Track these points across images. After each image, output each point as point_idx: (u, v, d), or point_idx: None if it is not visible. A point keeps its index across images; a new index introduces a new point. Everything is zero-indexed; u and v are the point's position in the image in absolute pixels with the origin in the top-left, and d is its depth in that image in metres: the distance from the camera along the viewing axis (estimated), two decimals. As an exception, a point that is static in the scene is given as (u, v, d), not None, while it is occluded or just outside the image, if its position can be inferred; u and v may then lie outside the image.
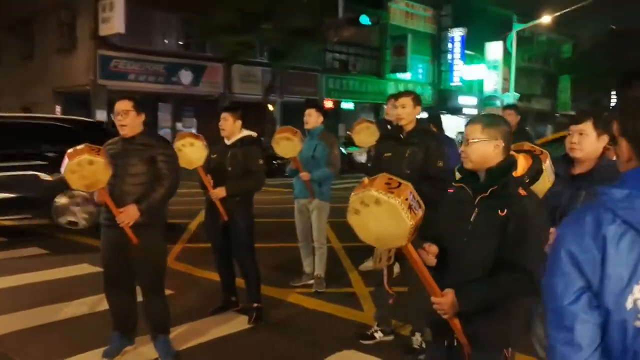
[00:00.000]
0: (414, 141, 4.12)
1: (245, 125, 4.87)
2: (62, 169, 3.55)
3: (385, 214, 2.15)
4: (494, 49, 36.22)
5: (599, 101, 40.43)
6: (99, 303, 5.14)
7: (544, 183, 2.69)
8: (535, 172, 2.55)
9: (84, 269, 6.36)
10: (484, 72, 36.06)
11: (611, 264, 1.18)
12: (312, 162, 5.59)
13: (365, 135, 5.98)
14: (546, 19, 31.10)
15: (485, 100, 35.17)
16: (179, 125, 22.72)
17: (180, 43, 22.80)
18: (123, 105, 3.84)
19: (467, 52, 34.85)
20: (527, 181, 2.46)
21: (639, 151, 1.24)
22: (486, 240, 2.27)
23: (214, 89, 22.79)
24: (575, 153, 2.94)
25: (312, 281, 5.78)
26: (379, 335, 4.35)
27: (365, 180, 2.27)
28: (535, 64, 43.61)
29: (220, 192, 4.69)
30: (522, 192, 2.29)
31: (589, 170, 2.93)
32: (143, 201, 3.74)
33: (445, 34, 34.81)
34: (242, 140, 4.86)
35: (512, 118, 6.84)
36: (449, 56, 34.70)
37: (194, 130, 16.61)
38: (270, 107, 23.95)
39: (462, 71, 34.62)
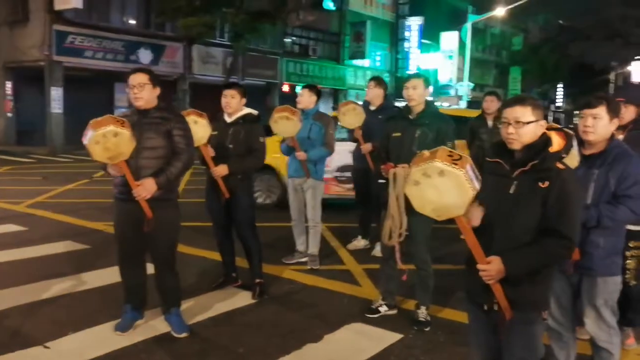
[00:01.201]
0: (425, 122, 4.26)
1: (204, 107, 4.81)
2: (86, 140, 3.49)
3: (447, 185, 2.27)
4: (450, 39, 36.93)
5: (547, 93, 42.00)
6: (94, 280, 5.12)
7: (573, 160, 2.87)
8: (568, 149, 2.72)
9: (69, 246, 6.25)
10: (440, 61, 36.73)
11: None
12: (308, 142, 5.66)
13: (351, 116, 6.09)
14: (500, 11, 31.93)
15: (440, 89, 35.87)
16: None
17: (137, 22, 22.18)
18: (139, 78, 3.80)
19: (423, 41, 35.41)
20: (563, 157, 2.62)
21: None
22: (528, 210, 2.41)
23: (174, 69, 22.35)
24: (589, 136, 3.12)
25: (305, 259, 5.88)
26: (383, 309, 4.50)
27: (426, 152, 2.38)
28: (488, 55, 44.80)
29: (222, 170, 4.70)
30: (560, 165, 2.45)
31: (600, 151, 3.13)
32: (161, 175, 3.73)
33: (403, 22, 35.24)
34: (244, 118, 4.87)
35: (494, 104, 7.11)
36: (406, 44, 35.18)
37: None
38: (231, 89, 23.66)
39: (418, 60, 35.16)
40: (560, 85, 47.33)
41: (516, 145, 2.47)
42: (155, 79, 3.87)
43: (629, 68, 54.34)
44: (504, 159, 2.52)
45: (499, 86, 44.10)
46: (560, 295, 3.18)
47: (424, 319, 4.31)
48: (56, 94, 19.24)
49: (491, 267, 2.38)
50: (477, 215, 2.45)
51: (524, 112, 2.43)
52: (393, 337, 4.09)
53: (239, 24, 20.77)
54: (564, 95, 50.93)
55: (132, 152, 3.58)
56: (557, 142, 2.61)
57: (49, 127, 19.31)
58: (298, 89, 28.08)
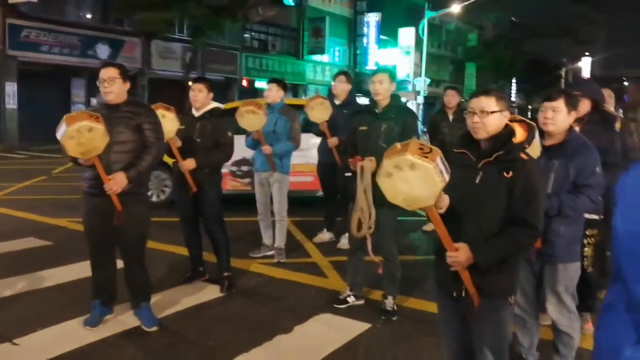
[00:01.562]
0: (390, 116, 4.36)
1: (165, 102, 4.77)
2: (60, 134, 3.46)
3: (418, 177, 2.34)
4: (407, 35, 37.38)
5: (502, 88, 43.07)
6: (59, 276, 5.05)
7: (535, 150, 3.01)
8: (531, 140, 2.85)
9: (32, 242, 6.13)
10: (397, 57, 37.17)
11: None
12: (274, 136, 5.71)
13: (319, 110, 6.17)
14: (455, 8, 32.55)
15: (398, 85, 36.27)
16: (93, 101, 21.64)
17: (94, 16, 21.68)
18: (110, 72, 3.78)
19: (381, 37, 35.77)
20: (525, 147, 2.74)
21: None
22: (493, 200, 2.51)
23: (132, 64, 21.89)
24: (549, 127, 3.28)
25: (271, 252, 5.93)
26: (351, 299, 4.60)
27: (398, 145, 2.45)
28: (444, 51, 45.57)
29: (190, 164, 4.70)
30: (524, 156, 2.56)
31: (560, 142, 3.29)
32: (132, 169, 3.73)
33: (361, 18, 35.53)
34: (212, 112, 4.89)
35: (455, 99, 7.31)
36: (365, 40, 35.48)
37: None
38: (191, 84, 23.40)
39: (376, 55, 35.50)
40: (514, 81, 48.57)
41: (481, 134, 2.56)
42: (126, 74, 3.86)
43: (579, 64, 56.17)
44: (470, 150, 2.62)
45: (455, 82, 44.90)
46: (523, 283, 3.32)
47: (391, 309, 4.43)
48: (10, 90, 18.63)
49: (459, 255, 2.47)
50: (444, 201, 2.55)
51: (489, 102, 2.53)
52: (361, 326, 4.18)
53: (199, 18, 20.55)
54: (517, 90, 52.29)
55: (105, 146, 3.56)
56: (520, 134, 2.70)
57: (3, 124, 18.68)
58: (259, 84, 28.16)
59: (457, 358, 2.73)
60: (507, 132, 2.58)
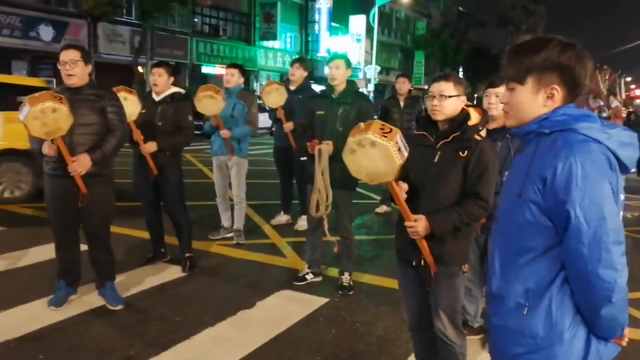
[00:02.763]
0: (347, 101, 4.56)
1: (113, 87, 4.81)
2: (23, 115, 3.49)
3: (378, 154, 2.56)
4: (358, 22, 37.76)
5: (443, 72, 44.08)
6: (18, 260, 5.04)
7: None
8: (485, 122, 3.08)
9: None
10: (348, 45, 37.48)
11: None
12: (232, 121, 5.82)
13: (275, 96, 6.33)
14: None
15: (349, 72, 36.60)
16: (36, 84, 21.00)
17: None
18: (71, 54, 3.82)
19: (333, 24, 35.95)
20: (480, 129, 2.98)
21: None
22: (450, 177, 2.75)
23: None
24: (493, 111, 3.57)
25: (230, 234, 6.07)
26: (310, 276, 4.82)
27: (362, 125, 2.66)
28: (394, 39, 46.19)
29: (151, 147, 4.78)
30: (477, 137, 2.80)
31: (501, 125, 3.58)
32: (96, 151, 3.80)
33: (313, 5, 35.57)
34: (172, 96, 4.96)
35: (404, 86, 7.59)
36: (316, 27, 35.57)
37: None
38: (140, 69, 22.99)
39: (328, 42, 35.69)
40: (460, 69, 49.74)
41: (439, 117, 2.78)
42: (87, 56, 3.91)
43: (522, 54, 57.74)
44: (430, 131, 2.85)
45: (404, 69, 45.67)
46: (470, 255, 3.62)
47: (347, 284, 4.67)
48: (-54, 72, 17.82)
49: (417, 224, 2.70)
50: (402, 191, 2.78)
51: (447, 87, 2.77)
52: (320, 301, 4.42)
53: (147, 1, 20.16)
54: (463, 78, 53.57)
55: (69, 128, 3.62)
56: (475, 117, 2.90)
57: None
58: (207, 70, 27.74)
59: (416, 320, 2.98)
60: (463, 116, 2.81)
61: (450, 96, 2.75)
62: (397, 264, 3.01)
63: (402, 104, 7.49)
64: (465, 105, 2.91)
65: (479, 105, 3.52)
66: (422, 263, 2.82)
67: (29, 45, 19.76)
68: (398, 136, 2.58)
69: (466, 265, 2.87)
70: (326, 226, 4.42)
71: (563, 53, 1.67)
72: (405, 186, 2.81)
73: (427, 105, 2.86)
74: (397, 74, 8.21)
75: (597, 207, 1.53)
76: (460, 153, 2.74)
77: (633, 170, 1.74)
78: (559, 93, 1.69)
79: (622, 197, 1.67)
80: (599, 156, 1.57)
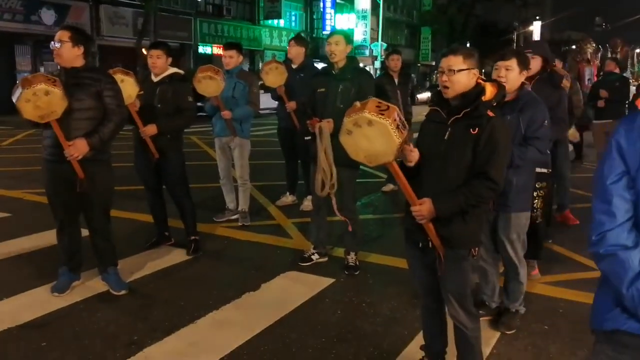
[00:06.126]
0: (347, 77, 4.45)
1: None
2: (15, 97, 3.42)
3: (376, 134, 2.45)
4: (363, -1, 37.22)
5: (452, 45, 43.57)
6: (20, 246, 5.02)
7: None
8: (501, 98, 2.94)
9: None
10: (354, 22, 37.03)
11: None
12: (232, 101, 5.72)
13: (274, 75, 6.21)
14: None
15: (356, 50, 36.26)
16: (41, 69, 20.90)
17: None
18: (59, 34, 3.77)
19: (338, 1, 35.49)
20: (494, 105, 2.79)
21: None
22: (460, 155, 2.61)
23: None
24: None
25: (235, 216, 6.02)
26: (315, 257, 4.76)
27: (357, 104, 2.55)
28: (400, 15, 45.60)
29: (151, 130, 4.69)
30: (490, 113, 2.63)
31: (512, 98, 3.47)
32: (93, 136, 3.73)
33: (317, -18, 35.10)
34: (171, 77, 4.86)
35: (398, 63, 7.44)
36: (321, 5, 35.12)
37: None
38: (144, 51, 22.80)
39: (333, 20, 35.26)
40: (468, 45, 49.12)
41: (449, 93, 2.64)
42: (79, 38, 3.80)
43: (530, 28, 57.10)
44: (442, 107, 2.71)
45: (410, 46, 45.28)
46: None
47: (353, 264, 4.61)
48: (-51, 57, 17.81)
49: (422, 208, 2.58)
50: (413, 154, 2.65)
51: (456, 61, 2.61)
52: (326, 281, 4.36)
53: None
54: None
55: (63, 111, 3.54)
56: (489, 92, 2.74)
57: (-58, 94, 17.84)
58: (201, 49, 27.28)
59: (427, 300, 2.92)
60: (477, 91, 2.64)
61: (459, 70, 2.60)
62: (404, 243, 2.93)
63: (396, 80, 7.33)
64: (481, 80, 2.74)
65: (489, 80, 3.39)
66: (430, 245, 2.73)
67: (30, 29, 19.64)
68: (396, 113, 2.47)
69: (476, 249, 2.74)
70: (334, 205, 4.34)
71: None
72: (416, 151, 2.68)
73: (439, 80, 2.73)
74: (388, 51, 8.01)
75: None
76: (471, 130, 2.59)
77: None
78: None
79: None
80: None
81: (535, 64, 4.24)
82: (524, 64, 3.45)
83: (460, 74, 2.61)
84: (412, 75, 9.21)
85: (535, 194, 4.03)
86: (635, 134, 1.55)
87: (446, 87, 2.64)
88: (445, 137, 2.66)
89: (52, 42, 3.76)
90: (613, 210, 1.56)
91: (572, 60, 10.20)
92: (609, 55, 11.93)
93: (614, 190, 1.56)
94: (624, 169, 1.56)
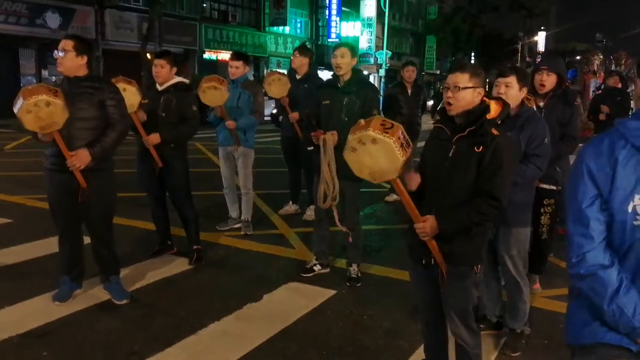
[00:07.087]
0: (352, 90, 4.45)
1: (121, 75, 4.69)
2: (17, 108, 3.42)
3: (380, 152, 2.46)
4: (369, 7, 37.26)
5: (460, 61, 43.57)
6: (21, 253, 5.02)
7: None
8: (505, 116, 2.94)
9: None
10: (359, 30, 37.08)
11: (619, 180, 1.58)
12: (237, 111, 5.73)
13: (277, 86, 6.23)
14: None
15: (360, 58, 36.30)
16: (44, 73, 20.97)
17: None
18: (63, 43, 3.78)
19: (343, 8, 35.55)
20: (499, 122, 2.78)
21: None
22: (463, 173, 2.61)
23: (85, 35, 21.23)
24: None
25: (238, 225, 6.02)
26: (317, 268, 4.76)
27: (362, 121, 2.56)
28: (405, 23, 45.68)
29: (154, 139, 4.70)
30: (494, 132, 2.63)
31: (512, 115, 3.46)
32: (95, 146, 3.73)
33: (323, -11, 35.17)
34: (175, 86, 4.87)
35: (412, 74, 7.49)
36: (327, 12, 35.19)
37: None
38: (149, 56, 22.88)
39: (338, 28, 35.32)
40: (472, 55, 49.16)
41: (453, 110, 2.64)
42: (82, 48, 3.81)
43: (535, 38, 57.19)
44: (446, 124, 2.72)
45: (415, 55, 45.25)
46: None
47: (355, 276, 4.60)
48: (-46, 61, 17.88)
49: (426, 225, 2.60)
50: (414, 180, 2.68)
51: (463, 78, 2.62)
52: (328, 293, 4.35)
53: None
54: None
55: (65, 122, 3.55)
56: (494, 109, 2.74)
57: (-54, 97, 17.92)
58: (215, 56, 27.42)
59: (429, 316, 2.92)
60: (482, 108, 2.64)
61: (465, 88, 2.61)
62: (407, 258, 2.93)
63: (409, 91, 7.39)
64: (485, 97, 2.75)
65: (490, 94, 3.39)
66: (432, 262, 2.73)
67: (35, 32, 19.69)
68: (400, 132, 2.48)
69: (479, 266, 2.74)
70: (337, 217, 4.34)
71: None
72: (417, 177, 2.70)
73: (443, 97, 2.74)
74: (404, 62, 8.07)
75: None
76: (476, 148, 2.59)
77: None
78: None
79: None
80: None
81: (550, 80, 4.22)
82: (523, 81, 3.45)
83: (465, 92, 2.62)
84: (426, 85, 9.32)
85: (542, 210, 4.03)
86: (604, 159, 1.61)
87: (450, 104, 2.64)
88: (450, 155, 2.66)
89: (56, 51, 3.77)
90: (590, 232, 1.63)
91: (579, 72, 10.21)
92: (613, 67, 11.91)
93: (590, 214, 1.63)
94: (597, 192, 1.63)
